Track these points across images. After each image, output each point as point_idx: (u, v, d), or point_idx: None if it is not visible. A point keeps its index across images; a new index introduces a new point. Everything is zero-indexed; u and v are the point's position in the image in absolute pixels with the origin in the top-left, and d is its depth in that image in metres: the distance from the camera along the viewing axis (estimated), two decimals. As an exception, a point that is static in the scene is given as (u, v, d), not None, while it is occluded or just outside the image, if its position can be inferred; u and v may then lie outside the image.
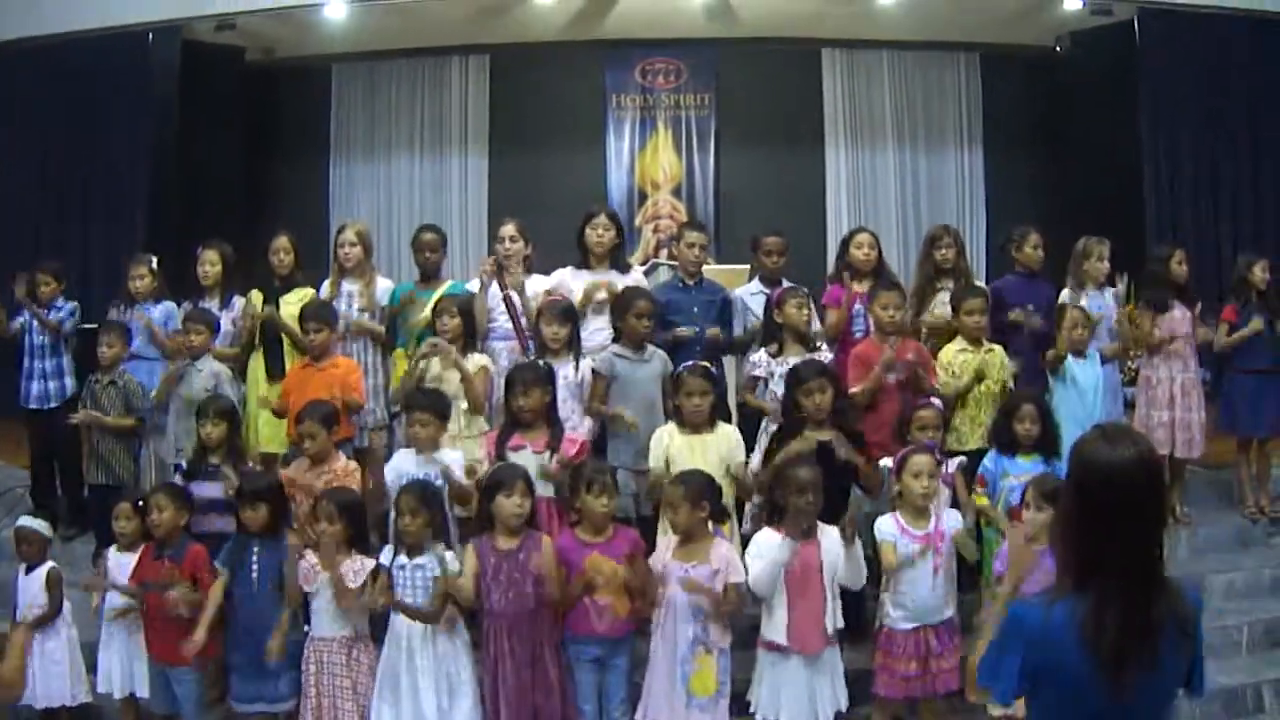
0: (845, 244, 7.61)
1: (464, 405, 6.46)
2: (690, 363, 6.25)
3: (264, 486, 5.75)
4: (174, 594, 5.51)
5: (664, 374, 6.49)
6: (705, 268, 7.38)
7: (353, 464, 6.26)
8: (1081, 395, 6.88)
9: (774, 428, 6.29)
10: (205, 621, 5.48)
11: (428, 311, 6.90)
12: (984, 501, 6.00)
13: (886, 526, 5.47)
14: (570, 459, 5.85)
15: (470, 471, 5.78)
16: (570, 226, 7.37)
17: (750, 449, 6.40)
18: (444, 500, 5.56)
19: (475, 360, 6.58)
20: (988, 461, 6.15)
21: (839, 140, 12.93)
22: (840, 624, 5.28)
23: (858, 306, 7.19)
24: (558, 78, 12.83)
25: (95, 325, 7.83)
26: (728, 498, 5.87)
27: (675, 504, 5.19)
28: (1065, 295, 7.52)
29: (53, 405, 7.80)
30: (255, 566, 5.56)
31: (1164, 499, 2.81)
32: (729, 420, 6.53)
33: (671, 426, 6.02)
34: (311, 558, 5.38)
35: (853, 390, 6.49)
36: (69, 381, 7.83)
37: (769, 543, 5.19)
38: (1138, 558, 2.73)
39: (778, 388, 6.48)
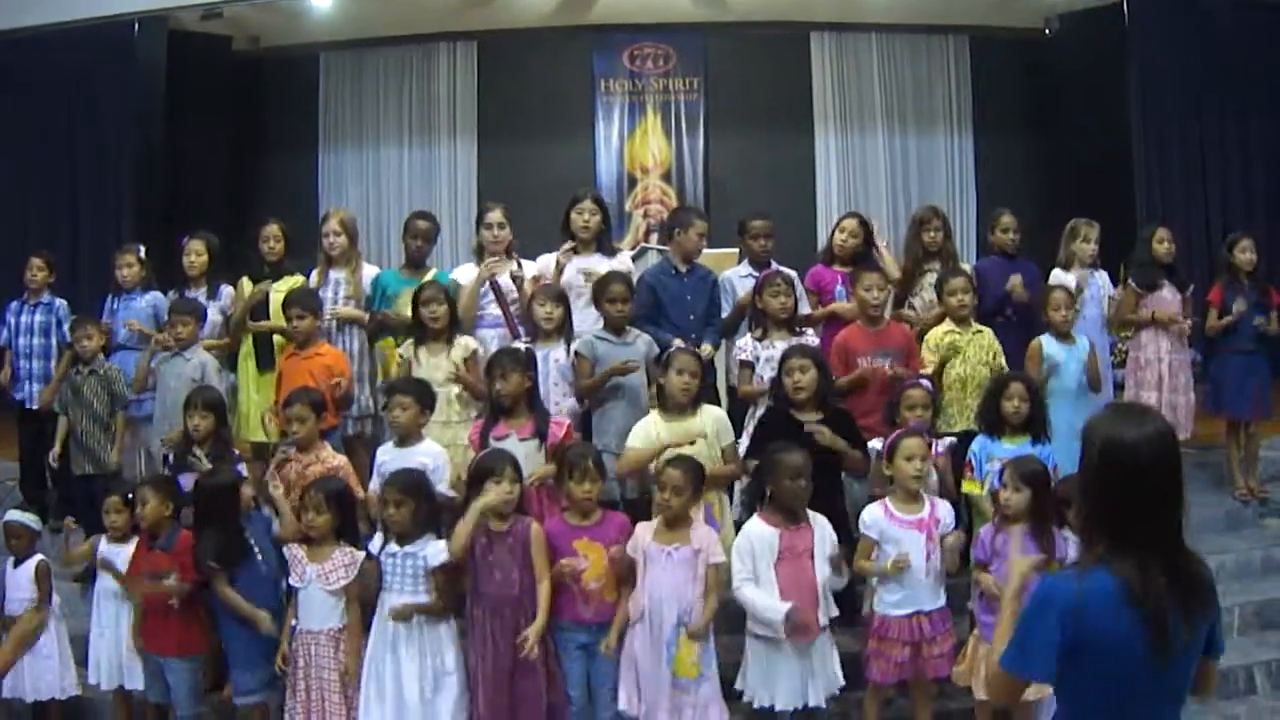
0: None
1: (455, 391, 6.47)
2: (681, 344, 6.27)
3: (225, 483, 5.66)
4: (168, 583, 5.51)
5: (648, 356, 6.49)
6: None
7: (341, 458, 6.22)
8: (1066, 377, 6.86)
9: (760, 412, 6.30)
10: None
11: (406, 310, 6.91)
12: (974, 488, 5.99)
13: (873, 518, 5.43)
14: (559, 442, 5.84)
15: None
16: (560, 213, 7.34)
17: (739, 434, 6.41)
18: (431, 489, 5.52)
19: (464, 343, 6.59)
20: (974, 446, 6.12)
21: (828, 124, 12.92)
22: (834, 613, 5.25)
23: (839, 288, 7.20)
24: (546, 64, 12.82)
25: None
26: (716, 479, 5.87)
27: (680, 487, 5.16)
28: (1060, 277, 7.52)
29: (39, 406, 7.80)
30: (257, 549, 5.53)
31: (1182, 471, 2.81)
32: (717, 404, 6.54)
33: (655, 415, 5.98)
34: (298, 550, 5.36)
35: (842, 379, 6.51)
36: None
37: (759, 533, 5.18)
38: (1167, 523, 2.77)
39: (765, 371, 6.49)
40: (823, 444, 5.75)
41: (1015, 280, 7.28)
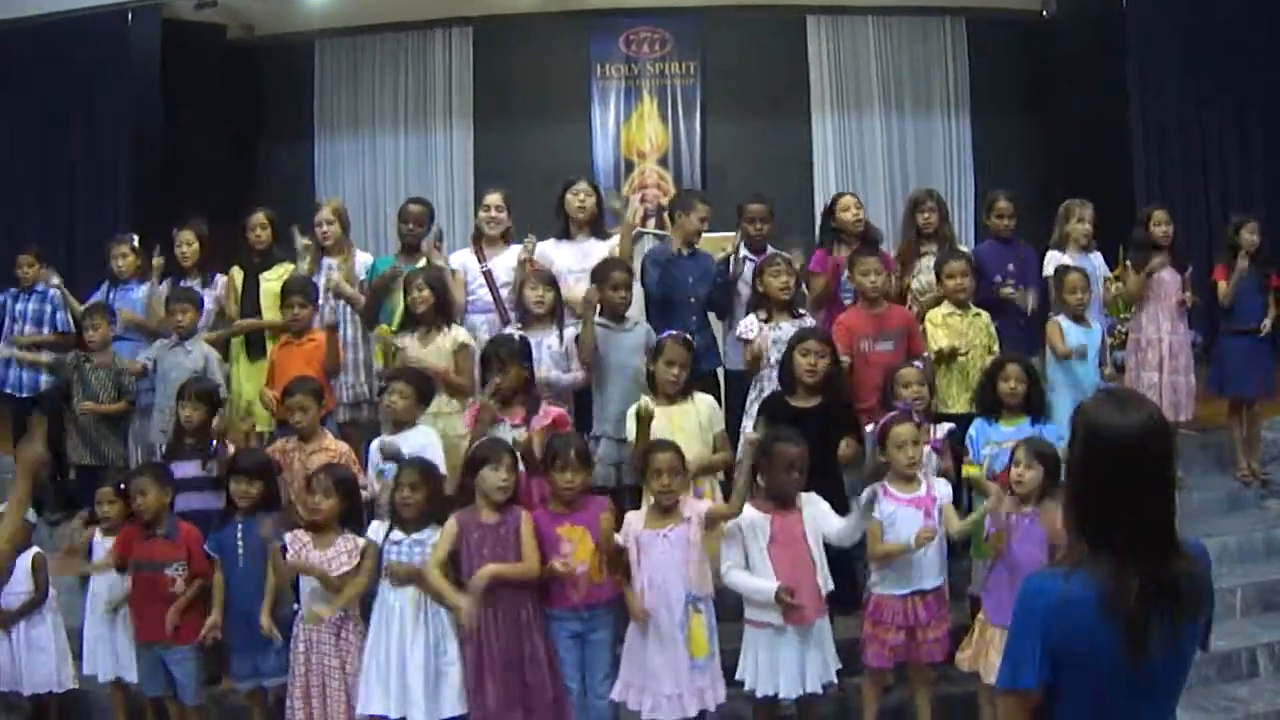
0: (829, 209, 7.57)
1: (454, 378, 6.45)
2: (673, 331, 6.22)
3: (260, 463, 5.72)
4: (172, 574, 5.53)
5: (647, 343, 6.45)
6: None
7: (344, 445, 6.21)
8: (1080, 361, 6.81)
9: (766, 393, 6.27)
10: (218, 603, 5.53)
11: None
12: (973, 470, 5.95)
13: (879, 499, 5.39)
14: (546, 428, 5.78)
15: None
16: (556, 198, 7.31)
17: (741, 416, 6.41)
18: (442, 482, 5.50)
19: (454, 336, 6.55)
20: (971, 430, 6.08)
21: (825, 107, 12.92)
22: (831, 585, 5.24)
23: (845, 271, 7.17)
24: (541, 49, 12.81)
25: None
26: (709, 466, 5.87)
27: (675, 469, 5.15)
28: (1057, 258, 7.48)
29: (30, 394, 7.76)
30: (241, 544, 5.51)
31: (1174, 461, 2.72)
32: (715, 390, 6.53)
33: (647, 399, 5.92)
34: (304, 537, 5.34)
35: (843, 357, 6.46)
36: (43, 377, 7.77)
37: (751, 519, 5.16)
38: (1153, 522, 2.66)
39: (771, 354, 6.46)
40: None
41: (1006, 293, 7.22)
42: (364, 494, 5.76)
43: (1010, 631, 2.78)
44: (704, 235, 7.30)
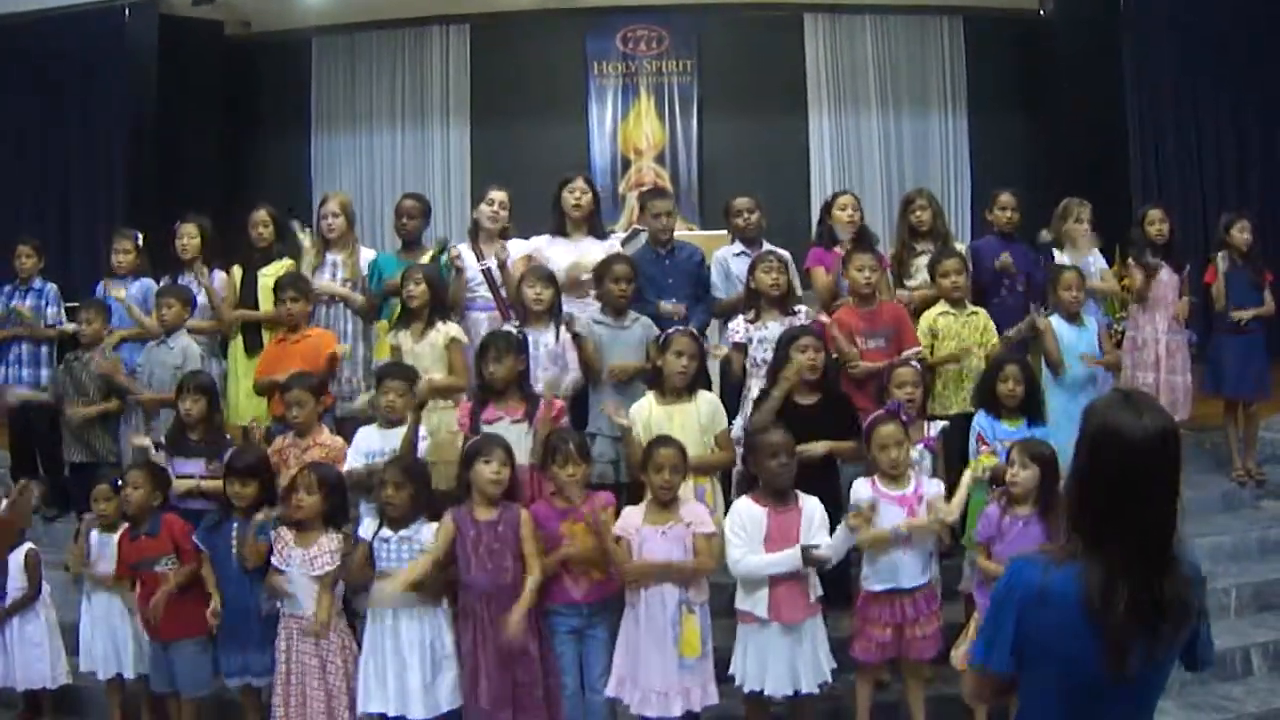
0: (827, 207, 7.56)
1: (437, 376, 6.43)
2: (679, 327, 6.23)
3: (254, 462, 5.69)
4: (164, 569, 5.52)
5: (646, 340, 6.45)
6: (688, 234, 7.31)
7: (339, 440, 6.19)
8: (1073, 361, 6.79)
9: (755, 394, 6.27)
10: (212, 588, 5.52)
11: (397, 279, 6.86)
12: (992, 460, 5.83)
13: (863, 492, 5.40)
14: (543, 416, 5.77)
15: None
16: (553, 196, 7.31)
17: (733, 416, 6.39)
18: (429, 476, 5.50)
19: (446, 331, 6.53)
20: (980, 421, 6.06)
21: (822, 105, 12.96)
22: (820, 591, 5.22)
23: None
24: (539, 46, 12.85)
25: (74, 304, 7.77)
26: (709, 465, 5.87)
27: (677, 466, 5.14)
28: (1057, 257, 7.48)
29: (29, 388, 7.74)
30: (235, 543, 5.48)
31: (1180, 474, 2.64)
32: (709, 388, 6.52)
33: (650, 397, 5.96)
34: (287, 534, 5.34)
35: (836, 354, 6.46)
36: (44, 371, 7.76)
37: (749, 512, 5.16)
38: (1154, 531, 2.61)
39: (756, 353, 6.49)
40: (813, 458, 5.71)
41: (1005, 257, 7.21)
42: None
43: (989, 609, 2.78)
44: (700, 234, 7.31)
